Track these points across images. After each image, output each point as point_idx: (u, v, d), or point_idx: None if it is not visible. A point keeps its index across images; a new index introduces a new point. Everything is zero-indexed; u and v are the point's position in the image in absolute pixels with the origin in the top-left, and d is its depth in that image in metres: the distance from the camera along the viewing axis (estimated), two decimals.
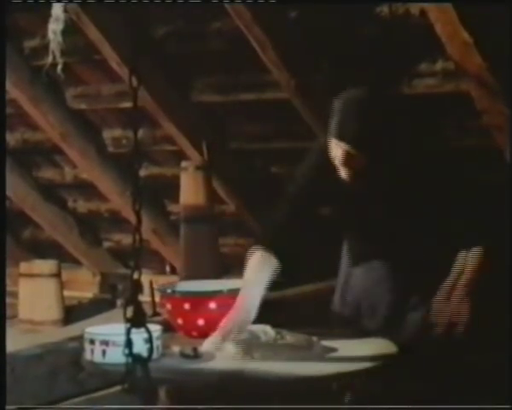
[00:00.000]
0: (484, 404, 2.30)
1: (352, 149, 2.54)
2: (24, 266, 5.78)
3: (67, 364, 2.65)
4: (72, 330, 5.08)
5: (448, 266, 2.60)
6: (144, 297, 2.80)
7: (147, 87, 4.53)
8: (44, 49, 4.67)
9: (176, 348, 2.65)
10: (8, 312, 4.76)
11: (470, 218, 2.56)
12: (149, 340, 1.85)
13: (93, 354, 2.53)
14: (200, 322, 2.88)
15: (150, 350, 1.85)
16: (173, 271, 5.77)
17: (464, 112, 3.99)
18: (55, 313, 5.72)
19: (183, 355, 2.58)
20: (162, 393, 2.26)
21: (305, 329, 2.72)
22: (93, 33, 4.59)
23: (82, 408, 2.24)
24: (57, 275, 5.79)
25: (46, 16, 4.46)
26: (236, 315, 2.63)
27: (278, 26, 4.15)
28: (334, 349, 2.64)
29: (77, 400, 2.26)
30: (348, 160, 2.56)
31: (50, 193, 6.08)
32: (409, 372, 2.52)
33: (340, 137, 2.54)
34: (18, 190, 5.89)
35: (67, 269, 6.15)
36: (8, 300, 4.93)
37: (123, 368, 1.87)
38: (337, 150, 2.56)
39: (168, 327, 2.90)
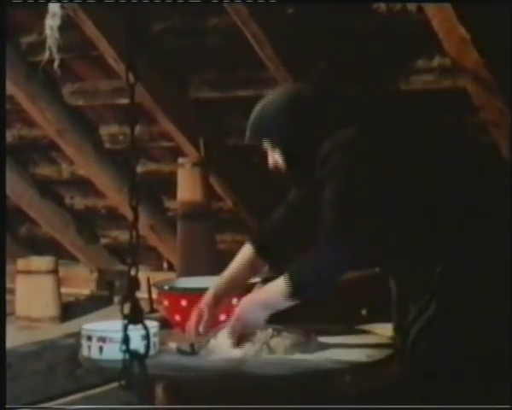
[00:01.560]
0: (484, 404, 2.31)
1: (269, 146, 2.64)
2: (21, 263, 5.77)
3: (64, 360, 2.66)
4: (70, 326, 5.07)
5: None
6: (141, 294, 2.81)
7: (144, 83, 4.52)
8: (41, 45, 4.66)
9: (173, 345, 2.66)
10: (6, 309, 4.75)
11: None
12: (146, 336, 1.86)
13: (90, 351, 2.53)
14: None
15: (147, 347, 1.86)
16: (170, 267, 5.77)
17: (461, 108, 3.99)
18: (52, 309, 5.71)
19: (181, 352, 2.59)
20: (159, 389, 2.26)
21: (302, 325, 2.72)
22: (90, 29, 4.59)
23: (78, 408, 2.24)
24: (54, 272, 5.78)
25: (43, 12, 4.46)
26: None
27: (275, 22, 4.14)
28: (330, 346, 2.65)
29: (74, 396, 2.26)
30: (270, 157, 2.66)
31: (47, 190, 6.07)
32: (407, 371, 2.53)
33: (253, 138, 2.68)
34: (15, 187, 5.89)
35: (65, 266, 6.14)
36: (6, 297, 4.92)
37: (120, 365, 1.87)
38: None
39: (165, 324, 2.90)
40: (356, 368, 2.47)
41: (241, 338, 2.53)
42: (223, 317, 2.86)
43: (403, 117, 2.78)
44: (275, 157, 2.67)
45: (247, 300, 2.58)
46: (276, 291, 2.46)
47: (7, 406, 2.16)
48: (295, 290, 2.41)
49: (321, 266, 2.40)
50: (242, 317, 2.53)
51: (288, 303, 2.46)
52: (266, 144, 2.69)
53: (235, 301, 2.80)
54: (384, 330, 2.86)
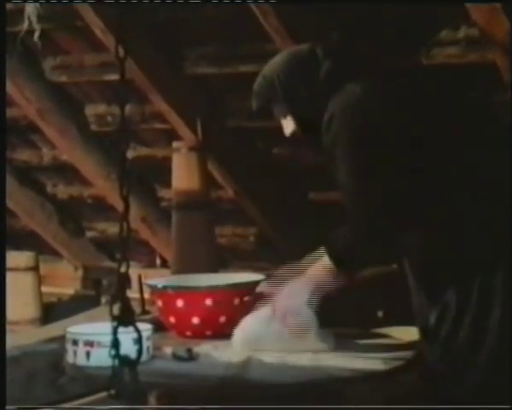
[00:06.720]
0: (484, 404, 2.35)
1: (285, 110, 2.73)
2: None
3: (47, 367, 2.67)
4: (52, 329, 5.07)
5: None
6: (132, 293, 2.82)
7: (135, 58, 4.53)
8: (19, 13, 4.66)
9: (168, 350, 2.67)
10: None
11: None
12: (138, 340, 1.87)
13: (76, 357, 2.55)
14: (195, 320, 2.90)
15: (139, 352, 1.87)
16: (164, 264, 5.79)
17: (490, 84, 3.99)
18: (32, 310, 5.74)
19: (176, 357, 2.61)
20: (152, 399, 2.28)
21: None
22: None
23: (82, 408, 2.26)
24: (34, 268, 5.81)
25: None
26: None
27: None
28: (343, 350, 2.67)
29: (57, 407, 2.27)
30: (285, 125, 2.75)
31: (26, 177, 6.09)
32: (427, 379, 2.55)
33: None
34: None
35: (46, 262, 6.17)
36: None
37: (109, 372, 1.88)
38: None
39: (159, 326, 2.92)
40: (370, 376, 2.49)
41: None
42: (222, 319, 2.88)
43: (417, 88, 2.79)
44: (290, 124, 2.75)
45: (293, 282, 2.66)
46: (320, 268, 2.59)
47: (7, 407, 2.19)
48: (338, 265, 2.55)
49: (359, 240, 2.55)
50: (285, 296, 2.64)
51: (333, 280, 2.58)
52: (277, 111, 2.76)
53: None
54: (402, 334, 2.87)
